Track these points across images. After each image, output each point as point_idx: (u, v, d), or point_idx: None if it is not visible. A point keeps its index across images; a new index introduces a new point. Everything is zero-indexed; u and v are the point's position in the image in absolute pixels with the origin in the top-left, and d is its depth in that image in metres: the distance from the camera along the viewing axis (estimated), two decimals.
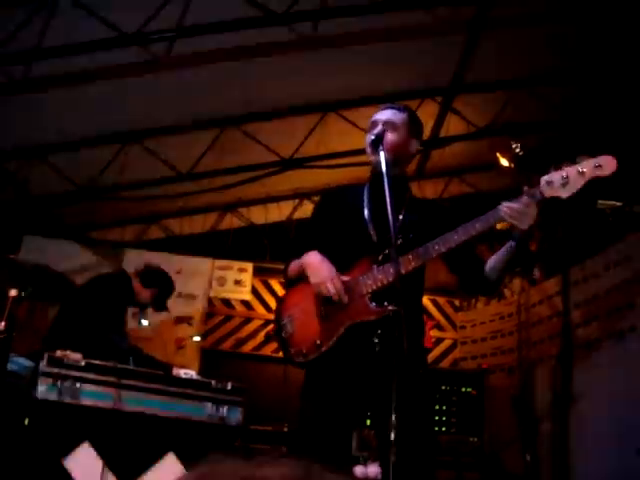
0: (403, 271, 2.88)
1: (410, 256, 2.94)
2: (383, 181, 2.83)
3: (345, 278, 2.99)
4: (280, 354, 3.19)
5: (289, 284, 3.24)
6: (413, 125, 3.30)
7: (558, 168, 2.75)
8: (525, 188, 2.81)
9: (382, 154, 2.94)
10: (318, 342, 2.96)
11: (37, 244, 7.94)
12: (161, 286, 5.62)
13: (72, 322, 4.81)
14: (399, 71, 6.86)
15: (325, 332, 2.97)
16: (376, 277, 2.96)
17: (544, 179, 2.77)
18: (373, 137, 3.05)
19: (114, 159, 7.49)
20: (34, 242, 7.99)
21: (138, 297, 5.45)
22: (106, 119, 7.02)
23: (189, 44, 5.87)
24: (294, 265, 3.17)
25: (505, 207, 2.80)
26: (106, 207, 8.43)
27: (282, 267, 3.35)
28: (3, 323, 3.51)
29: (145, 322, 5.83)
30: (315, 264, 3.02)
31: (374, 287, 2.96)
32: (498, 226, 2.97)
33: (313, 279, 2.99)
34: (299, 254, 3.15)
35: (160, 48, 5.89)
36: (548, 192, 2.75)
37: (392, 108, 3.29)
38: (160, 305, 5.68)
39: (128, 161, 7.50)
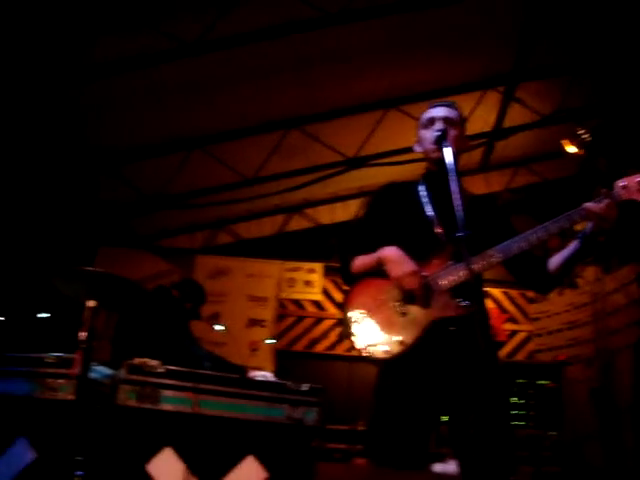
0: (484, 267, 2.93)
1: (491, 253, 2.94)
2: (446, 177, 2.82)
3: (424, 274, 2.98)
4: (353, 352, 3.16)
5: (351, 280, 3.21)
6: (463, 122, 3.34)
7: (633, 173, 2.81)
8: (603, 190, 2.88)
9: (449, 150, 2.91)
10: (400, 338, 2.94)
11: (111, 255, 8.13)
12: (196, 299, 5.72)
13: (143, 330, 4.92)
14: (459, 63, 6.78)
15: (407, 328, 2.95)
16: (455, 273, 2.95)
17: (619, 184, 2.88)
18: (439, 133, 3.03)
19: (180, 167, 7.60)
20: (109, 253, 8.19)
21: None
22: (171, 127, 7.13)
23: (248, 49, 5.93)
24: (363, 260, 3.14)
25: (590, 207, 2.86)
26: (175, 215, 8.57)
27: None
28: (84, 334, 3.61)
29: (219, 327, 5.90)
30: (396, 258, 2.99)
31: (454, 283, 2.95)
32: (578, 226, 3.00)
33: (394, 272, 2.96)
34: (356, 251, 3.14)
35: (221, 54, 5.97)
36: (625, 195, 2.86)
37: (444, 105, 3.29)
38: (196, 315, 5.77)
39: (194, 168, 7.61)
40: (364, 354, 3.01)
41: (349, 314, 3.09)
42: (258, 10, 5.62)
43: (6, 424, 3.98)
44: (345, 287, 3.30)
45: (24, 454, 3.91)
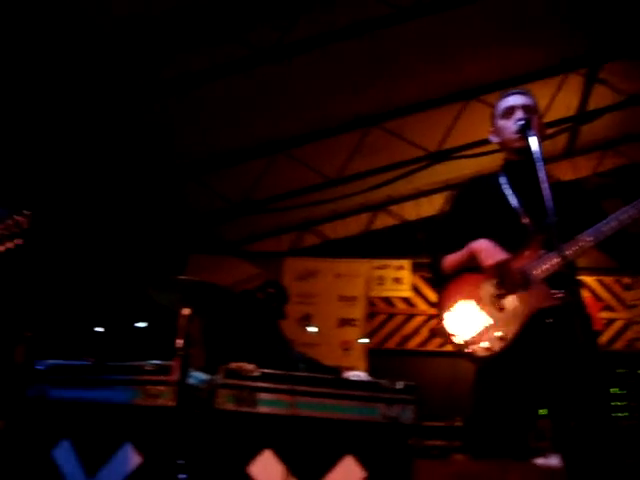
0: (576, 253, 2.87)
1: (582, 237, 2.87)
2: (529, 166, 2.77)
3: (517, 265, 2.93)
4: (446, 348, 3.13)
5: (442, 279, 3.18)
6: (538, 108, 3.27)
7: None
8: None
9: (534, 138, 2.86)
10: (500, 334, 2.89)
11: (201, 262, 8.29)
12: (281, 299, 5.74)
13: (236, 335, 5.00)
14: (537, 49, 6.63)
15: (505, 322, 2.90)
16: (548, 262, 2.89)
17: None
18: (522, 122, 2.97)
19: (264, 171, 7.69)
20: (199, 260, 8.35)
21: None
22: (254, 133, 7.23)
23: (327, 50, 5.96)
24: (453, 257, 3.11)
25: None
26: (261, 219, 8.68)
27: None
28: (180, 341, 3.70)
29: (311, 328, 5.94)
30: (487, 248, 2.95)
31: (549, 272, 2.89)
32: None
33: (487, 262, 2.91)
34: (445, 250, 3.11)
35: (298, 58, 6.02)
36: None
37: (520, 93, 3.24)
38: (281, 315, 5.78)
39: (278, 172, 7.69)
40: (465, 353, 2.96)
41: (445, 314, 3.05)
42: (332, 12, 5.63)
43: (112, 430, 4.11)
44: (436, 288, 3.26)
45: (130, 459, 4.03)
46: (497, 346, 2.88)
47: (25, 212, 2.93)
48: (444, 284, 3.15)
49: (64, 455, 4.21)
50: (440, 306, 3.11)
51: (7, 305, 3.45)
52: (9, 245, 2.89)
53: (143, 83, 6.05)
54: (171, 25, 5.57)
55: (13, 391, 4.44)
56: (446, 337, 3.02)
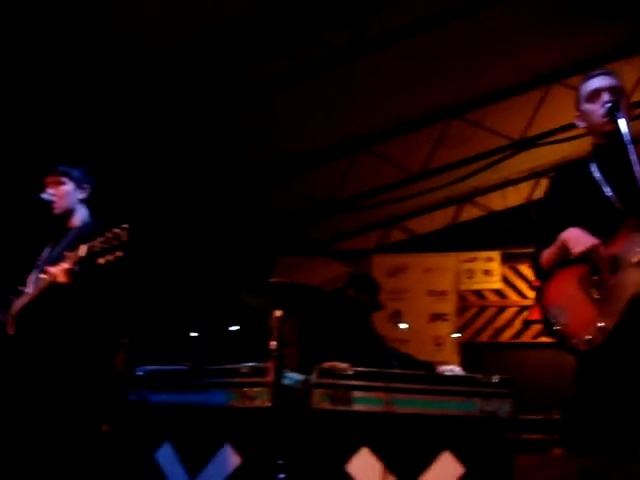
0: None
1: None
2: (619, 149, 2.68)
3: (610, 251, 2.85)
4: (540, 340, 3.07)
5: (544, 275, 3.11)
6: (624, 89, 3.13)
7: None
8: None
9: (623, 120, 2.77)
10: (601, 324, 2.81)
11: (290, 264, 8.38)
12: (372, 289, 5.68)
13: (329, 334, 5.02)
14: (619, 25, 6.41)
15: (605, 312, 2.82)
16: None
17: None
18: (610, 104, 2.88)
19: (348, 170, 7.72)
20: (287, 262, 8.44)
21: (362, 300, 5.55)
22: (334, 132, 7.26)
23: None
24: (548, 251, 3.05)
25: None
26: (347, 218, 8.70)
27: (529, 251, 3.24)
28: (274, 342, 3.75)
29: (403, 325, 5.92)
30: (577, 236, 2.87)
31: None
32: None
33: (576, 249, 2.84)
34: (544, 241, 3.04)
35: (375, 55, 6.01)
36: None
37: (605, 74, 3.11)
38: (376, 306, 5.73)
39: (361, 170, 7.70)
40: (568, 347, 2.90)
41: (547, 309, 2.99)
42: (406, 6, 5.60)
43: (211, 432, 4.20)
44: (536, 283, 3.19)
45: (230, 459, 4.10)
46: (599, 338, 2.80)
47: (124, 225, 3.01)
48: (545, 277, 3.09)
49: (166, 457, 4.33)
50: (541, 303, 3.05)
51: (107, 314, 3.55)
52: (110, 258, 2.98)
53: (224, 90, 6.16)
54: (248, 32, 5.65)
55: (115, 397, 4.57)
56: (552, 334, 2.96)
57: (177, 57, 5.74)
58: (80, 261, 3.09)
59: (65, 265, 3.15)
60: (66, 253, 3.17)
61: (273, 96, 6.36)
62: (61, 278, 3.16)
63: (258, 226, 8.29)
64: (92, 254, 3.01)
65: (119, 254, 2.97)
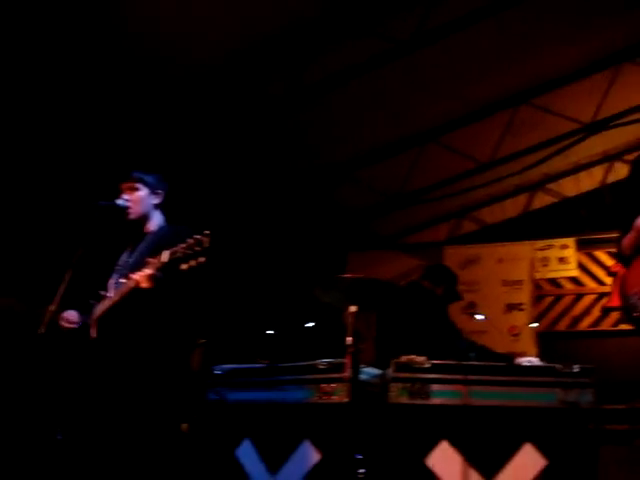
0: None
1: None
2: None
3: None
4: (621, 327, 2.99)
5: (625, 260, 3.04)
6: None
7: None
8: None
9: None
10: None
11: (361, 259, 8.38)
12: (448, 280, 5.60)
13: (405, 328, 5.00)
14: None
15: None
16: None
17: None
18: None
19: (415, 162, 7.68)
20: (358, 257, 8.45)
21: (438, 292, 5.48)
22: (400, 125, 7.23)
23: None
24: (628, 236, 2.98)
25: None
26: (416, 211, 8.66)
27: (605, 236, 3.18)
28: (349, 338, 3.76)
29: (479, 316, 5.84)
30: None
31: None
32: None
33: None
34: (626, 225, 2.96)
35: (437, 45, 5.97)
36: None
37: None
38: (455, 296, 5.65)
39: (428, 162, 7.64)
40: None
41: (628, 297, 2.92)
42: None
43: (290, 429, 4.23)
44: (614, 269, 3.13)
45: (309, 455, 4.14)
46: None
47: (205, 231, 3.04)
48: (627, 264, 3.02)
49: (247, 454, 4.39)
50: (622, 291, 2.98)
51: (186, 316, 3.61)
52: (192, 264, 3.02)
53: (289, 89, 6.20)
54: (308, 30, 5.67)
55: (193, 396, 4.65)
56: (629, 317, 2.89)
57: (242, 59, 5.81)
58: (163, 267, 3.14)
59: (148, 271, 3.20)
60: (148, 259, 3.22)
61: (337, 92, 6.38)
62: (144, 284, 3.22)
63: (328, 222, 8.32)
64: (174, 260, 3.06)
65: (202, 260, 3.01)
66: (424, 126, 7.35)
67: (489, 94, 7.06)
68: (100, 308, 3.61)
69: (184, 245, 3.03)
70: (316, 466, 4.11)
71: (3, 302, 6.08)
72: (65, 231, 3.90)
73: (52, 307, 3.33)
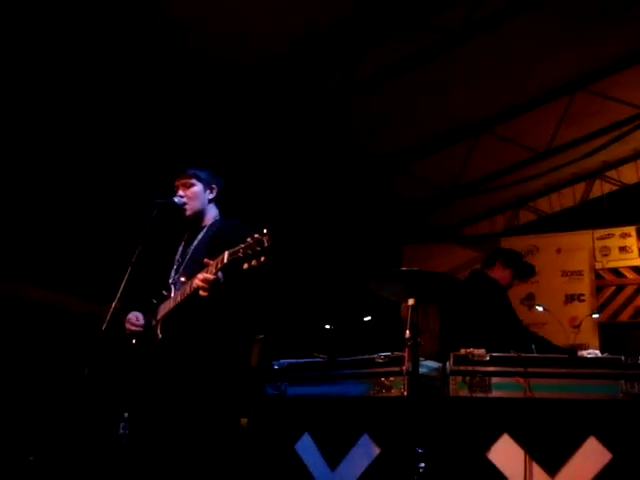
0: None
1: None
2: None
3: None
4: None
5: None
6: None
7: None
8: None
9: None
10: None
11: (416, 251, 8.35)
12: (515, 261, 5.47)
13: (467, 319, 4.94)
14: None
15: None
16: None
17: None
18: None
19: (469, 154, 7.61)
20: (413, 250, 8.41)
21: (503, 281, 5.36)
22: (453, 117, 7.17)
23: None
24: None
25: None
26: (471, 202, 8.59)
27: None
28: (408, 331, 3.74)
29: (540, 308, 5.75)
30: None
31: None
32: None
33: None
34: None
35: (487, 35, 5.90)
36: None
37: None
38: (525, 271, 5.51)
39: (483, 152, 7.57)
40: None
41: None
42: None
43: (349, 423, 4.23)
44: None
45: (369, 449, 4.13)
46: None
47: (264, 230, 3.05)
48: None
49: (306, 448, 4.39)
50: None
51: (246, 313, 3.64)
52: (253, 263, 3.02)
53: (341, 84, 6.21)
54: (358, 25, 5.67)
55: (252, 391, 4.68)
56: None
57: (297, 54, 5.84)
58: (223, 267, 3.16)
59: (208, 276, 3.23)
60: (208, 261, 3.25)
61: (390, 84, 6.36)
62: (202, 292, 3.25)
63: (384, 215, 8.31)
64: (235, 260, 3.07)
65: (262, 260, 3.01)
66: (478, 116, 7.28)
67: (544, 82, 6.96)
68: (164, 308, 3.66)
69: (244, 245, 3.04)
70: (376, 460, 4.10)
71: (62, 300, 6.23)
72: (125, 229, 3.96)
73: (114, 304, 3.38)
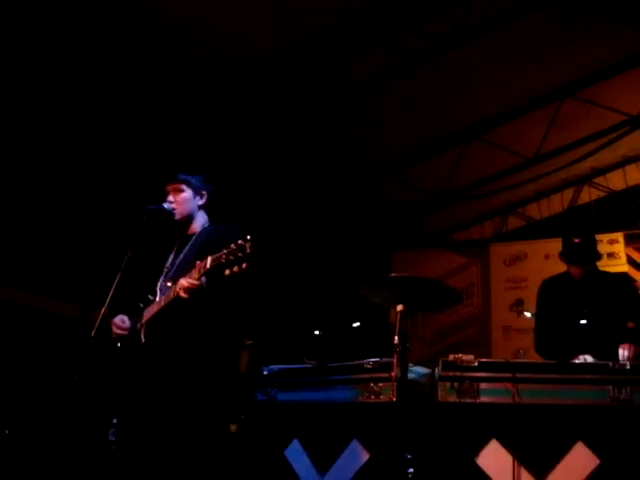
0: None
1: None
2: None
3: None
4: None
5: None
6: None
7: None
8: None
9: None
10: None
11: (406, 257, 8.36)
12: None
13: None
14: None
15: None
16: None
17: None
18: None
19: (459, 160, 7.64)
20: (403, 256, 8.43)
21: None
22: (441, 124, 7.21)
23: None
24: None
25: None
26: (461, 208, 8.61)
27: None
28: (397, 337, 3.75)
29: (528, 314, 5.77)
30: None
31: None
32: None
33: None
34: None
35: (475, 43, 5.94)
36: None
37: None
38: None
39: (473, 159, 7.60)
40: None
41: None
42: None
43: (338, 428, 4.24)
44: None
45: (358, 455, 4.13)
46: None
47: (247, 236, 3.06)
48: None
49: (295, 454, 4.39)
50: None
51: (231, 319, 3.65)
52: (235, 270, 3.03)
53: (331, 89, 6.23)
54: (349, 30, 5.70)
55: (241, 397, 4.68)
56: None
57: (288, 58, 5.86)
58: (206, 273, 3.17)
59: (190, 280, 3.26)
60: (197, 262, 3.26)
61: (379, 92, 6.39)
62: (183, 294, 3.27)
63: (373, 221, 8.33)
64: (217, 266, 3.08)
65: (244, 266, 3.02)
66: (468, 123, 7.31)
67: (532, 89, 7.00)
68: (148, 312, 3.67)
69: (226, 251, 3.05)
70: (365, 465, 4.10)
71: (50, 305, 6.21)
72: (114, 234, 3.97)
73: (103, 310, 3.38)
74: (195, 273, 3.24)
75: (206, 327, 3.51)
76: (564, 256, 5.02)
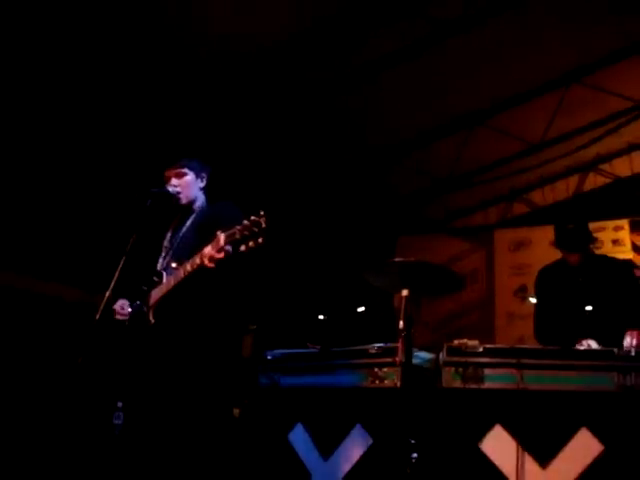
0: None
1: None
2: None
3: None
4: None
5: None
6: None
7: None
8: None
9: None
10: None
11: (410, 242, 8.34)
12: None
13: None
14: None
15: None
16: None
17: None
18: None
19: (464, 145, 7.61)
20: (407, 241, 8.41)
21: None
22: (447, 108, 7.17)
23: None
24: None
25: None
26: (466, 194, 8.60)
27: None
28: (402, 322, 3.74)
29: (533, 300, 5.74)
30: None
31: None
32: None
33: None
34: None
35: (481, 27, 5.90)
36: None
37: None
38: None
39: (478, 144, 7.57)
40: None
41: None
42: None
43: (342, 413, 4.24)
44: None
45: (362, 440, 4.14)
46: None
47: (261, 212, 3.05)
48: None
49: (299, 438, 4.40)
50: None
51: (237, 301, 3.65)
52: (251, 245, 3.01)
53: (336, 74, 6.20)
54: (354, 14, 5.67)
55: (245, 381, 4.69)
56: None
57: (293, 43, 5.84)
58: (220, 249, 3.14)
59: (218, 248, 3.18)
60: (217, 233, 3.21)
61: (384, 76, 6.37)
62: (209, 263, 3.21)
63: (378, 206, 8.32)
64: (232, 242, 3.06)
65: (260, 241, 3.00)
66: (472, 108, 7.28)
67: (539, 74, 6.95)
68: (156, 294, 3.66)
69: (240, 227, 3.03)
70: (368, 450, 4.11)
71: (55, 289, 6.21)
72: (118, 218, 3.97)
73: (107, 294, 3.38)
74: (220, 241, 3.16)
75: (214, 308, 3.53)
76: (558, 245, 5.02)
